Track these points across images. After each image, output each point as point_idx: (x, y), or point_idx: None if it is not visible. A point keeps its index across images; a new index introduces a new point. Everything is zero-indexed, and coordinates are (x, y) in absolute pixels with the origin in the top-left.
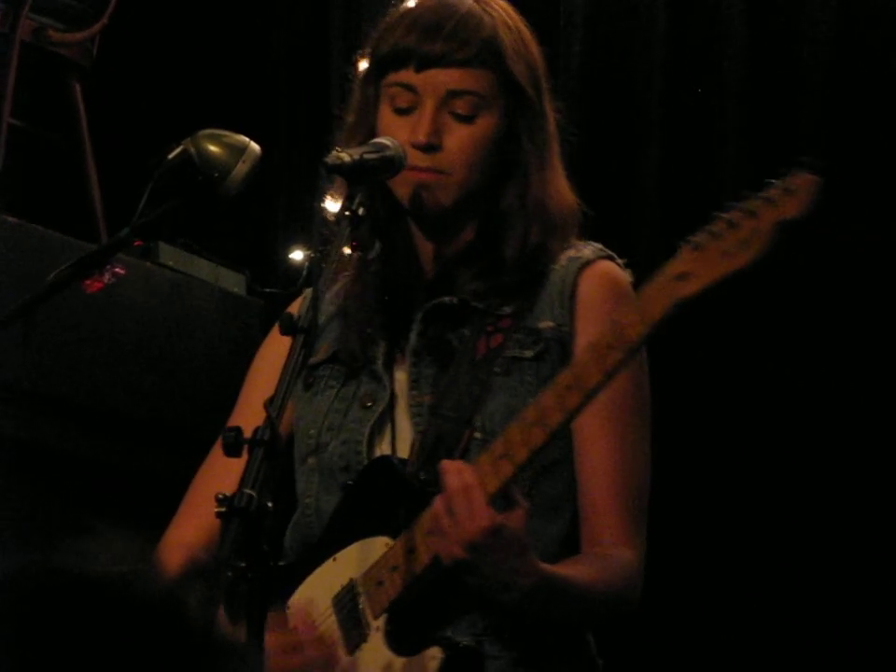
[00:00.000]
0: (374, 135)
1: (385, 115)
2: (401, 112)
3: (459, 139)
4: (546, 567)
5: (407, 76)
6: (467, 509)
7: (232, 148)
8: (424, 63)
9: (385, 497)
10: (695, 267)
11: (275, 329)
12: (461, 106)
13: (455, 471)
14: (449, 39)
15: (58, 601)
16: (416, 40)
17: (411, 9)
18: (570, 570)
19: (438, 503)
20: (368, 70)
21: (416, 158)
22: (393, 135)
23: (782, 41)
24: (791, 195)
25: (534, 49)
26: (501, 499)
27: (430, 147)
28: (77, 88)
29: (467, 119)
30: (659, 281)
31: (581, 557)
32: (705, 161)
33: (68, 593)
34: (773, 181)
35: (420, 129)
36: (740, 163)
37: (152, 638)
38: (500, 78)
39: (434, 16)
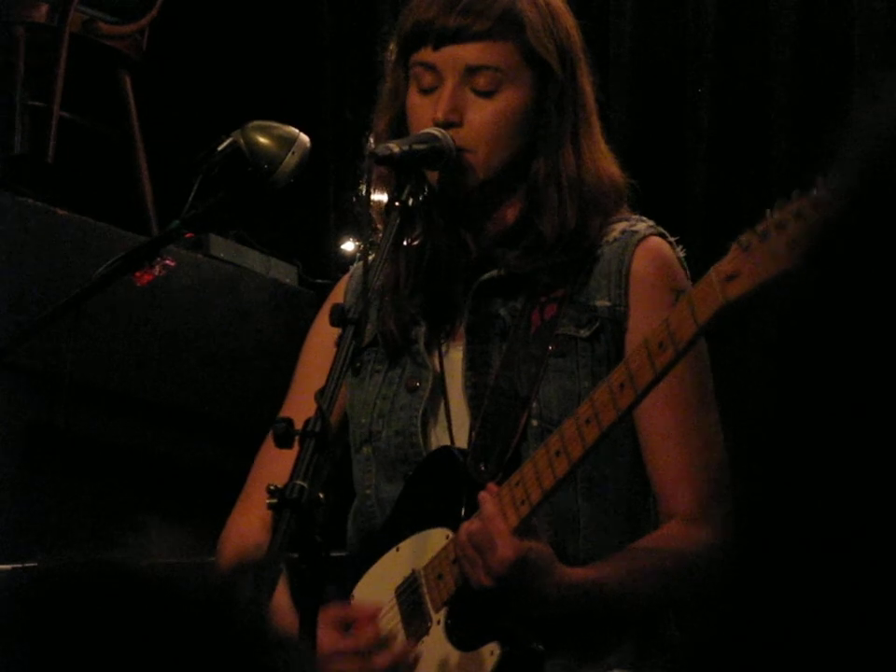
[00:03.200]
0: (403, 118)
1: (412, 95)
2: (426, 92)
3: (481, 115)
4: (574, 572)
5: (427, 54)
6: (490, 541)
7: (282, 140)
8: (441, 40)
9: (446, 489)
10: (744, 268)
11: (321, 318)
12: (482, 82)
13: (486, 500)
14: (465, 13)
15: (105, 594)
16: (433, 16)
17: None
18: (610, 569)
19: (462, 534)
20: (395, 52)
21: None
22: (418, 116)
23: (834, 36)
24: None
25: (565, 21)
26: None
27: (450, 124)
28: (128, 80)
29: (488, 95)
30: (708, 281)
31: (636, 548)
32: (754, 159)
33: (116, 586)
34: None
35: (439, 106)
36: (789, 158)
37: (201, 633)
38: (523, 50)
39: None
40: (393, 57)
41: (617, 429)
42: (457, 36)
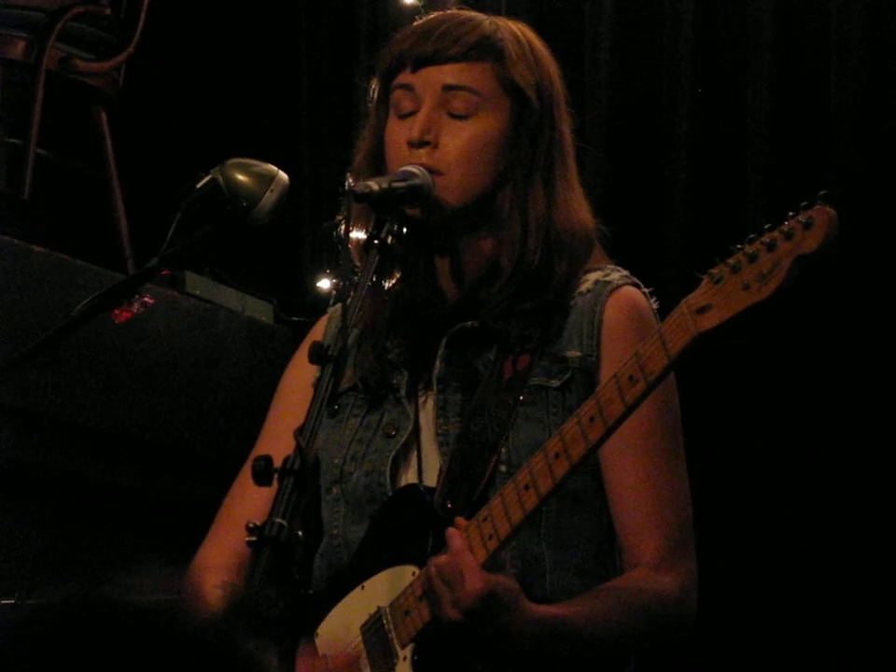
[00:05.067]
0: (381, 150)
1: (390, 123)
2: (404, 118)
3: (456, 138)
4: (540, 609)
5: (405, 77)
6: (459, 575)
7: (261, 177)
8: (419, 62)
9: (413, 526)
10: (716, 300)
11: (299, 355)
12: (458, 105)
13: (454, 534)
14: (442, 38)
15: (102, 632)
16: (411, 44)
17: (414, 24)
18: (575, 609)
19: (431, 567)
20: (377, 87)
21: (412, 156)
22: (393, 140)
23: (810, 66)
24: (811, 229)
25: (547, 64)
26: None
27: (423, 143)
28: (104, 117)
29: (464, 118)
30: (680, 314)
31: (600, 591)
32: (731, 190)
33: (113, 623)
34: (792, 214)
35: (415, 126)
36: (767, 195)
37: (198, 669)
38: (500, 76)
39: (432, 22)
40: (375, 94)
41: (583, 479)
42: (434, 58)
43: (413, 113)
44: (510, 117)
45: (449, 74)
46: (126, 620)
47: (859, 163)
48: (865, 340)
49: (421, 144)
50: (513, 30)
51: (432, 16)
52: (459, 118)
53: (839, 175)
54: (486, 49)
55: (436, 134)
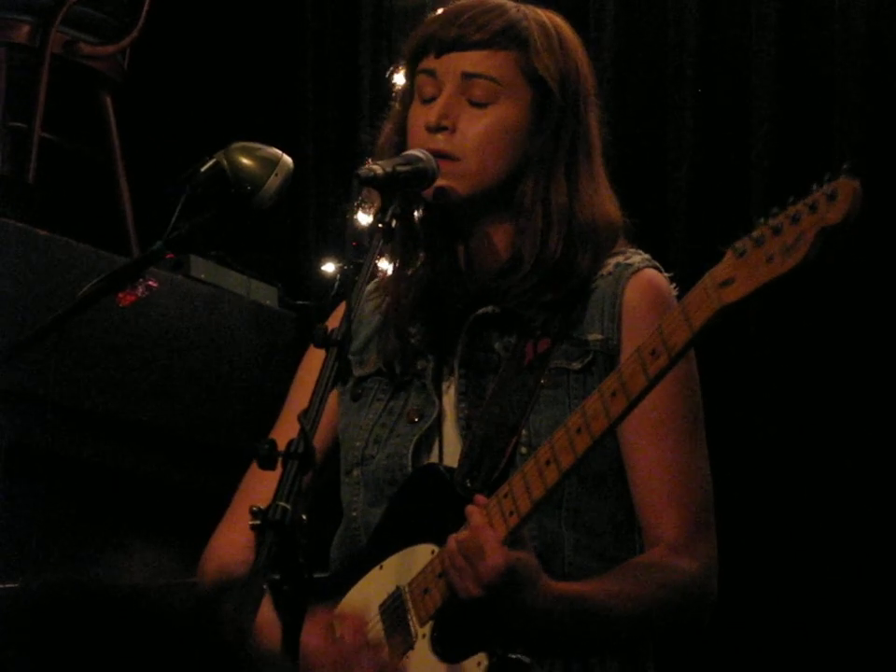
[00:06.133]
0: (404, 130)
1: (414, 107)
2: (426, 102)
3: (473, 124)
4: (560, 585)
5: (429, 62)
6: (480, 550)
7: (265, 161)
8: (442, 48)
9: (432, 505)
10: (739, 273)
11: None
12: (478, 92)
13: (474, 511)
14: (466, 24)
15: (83, 614)
16: (437, 28)
17: (442, 9)
18: (595, 586)
19: (451, 543)
20: (405, 71)
21: (430, 140)
22: (413, 122)
23: (815, 62)
24: (835, 201)
25: (575, 55)
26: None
27: (441, 128)
28: (109, 101)
29: (483, 106)
30: (703, 287)
31: (620, 570)
32: (737, 170)
33: (94, 606)
34: (816, 186)
35: (433, 110)
36: (773, 167)
37: (183, 652)
38: (523, 66)
39: (459, 7)
40: (403, 78)
41: (606, 462)
42: (457, 44)
43: (434, 98)
44: (531, 106)
45: (470, 61)
46: (106, 602)
47: (866, 138)
48: (871, 328)
49: (439, 129)
50: (542, 19)
51: (462, 1)
52: (479, 105)
53: (848, 151)
54: (510, 37)
55: (454, 120)
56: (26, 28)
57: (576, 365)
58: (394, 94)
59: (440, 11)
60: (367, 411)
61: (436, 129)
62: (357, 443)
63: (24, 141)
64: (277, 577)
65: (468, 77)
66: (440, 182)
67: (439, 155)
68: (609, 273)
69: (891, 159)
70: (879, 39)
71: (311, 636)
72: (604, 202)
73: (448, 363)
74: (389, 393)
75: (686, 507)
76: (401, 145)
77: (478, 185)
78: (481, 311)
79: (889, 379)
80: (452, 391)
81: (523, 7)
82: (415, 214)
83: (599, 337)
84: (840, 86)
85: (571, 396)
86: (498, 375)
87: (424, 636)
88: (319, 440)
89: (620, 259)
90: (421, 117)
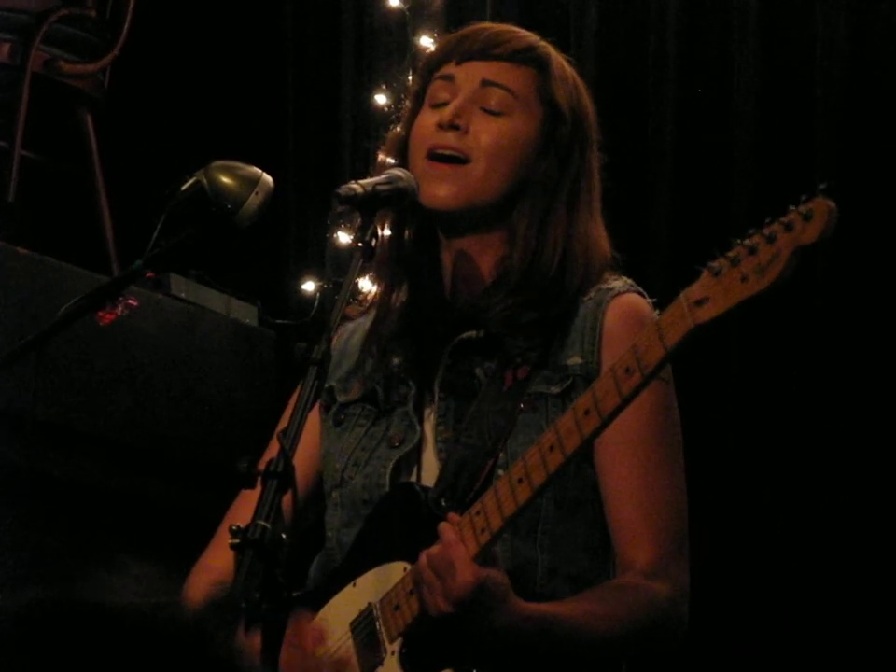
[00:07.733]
0: (408, 137)
1: (422, 113)
2: (437, 106)
3: (486, 128)
4: (529, 606)
5: (448, 68)
6: (450, 566)
7: (245, 180)
8: (465, 56)
9: (406, 523)
10: (714, 292)
11: None
12: (493, 101)
13: (446, 528)
14: (491, 38)
15: (73, 633)
16: (459, 40)
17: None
18: (565, 607)
19: (422, 559)
20: (417, 81)
21: (439, 137)
22: (421, 125)
23: (795, 63)
24: (810, 221)
25: (586, 101)
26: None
27: (453, 126)
28: (89, 119)
29: (496, 114)
30: (678, 306)
31: (591, 592)
32: (717, 188)
33: (85, 625)
34: (792, 207)
35: (447, 109)
36: (754, 185)
37: (172, 670)
38: (539, 85)
39: (481, 26)
40: (413, 87)
41: (582, 488)
42: (479, 53)
43: (446, 103)
44: (542, 126)
45: (490, 70)
46: (96, 621)
47: (846, 152)
48: (858, 337)
49: (451, 126)
50: (560, 57)
51: (481, 24)
52: (492, 113)
53: (828, 162)
54: (531, 57)
55: (467, 122)
56: (6, 46)
57: (555, 389)
58: (401, 96)
59: (463, 29)
60: (348, 435)
61: (448, 126)
62: (337, 465)
63: (5, 159)
64: (257, 595)
65: (486, 84)
66: (440, 188)
67: (446, 157)
68: (590, 299)
69: (871, 175)
70: (862, 54)
71: (282, 652)
72: (599, 238)
73: (430, 388)
74: (371, 419)
75: (660, 532)
76: (404, 152)
77: (479, 194)
78: (464, 335)
79: (868, 394)
80: (432, 416)
81: (542, 42)
82: (405, 234)
83: (579, 361)
84: (821, 107)
85: (550, 420)
86: (478, 399)
87: (393, 652)
88: (309, 466)
89: (602, 285)
90: (430, 118)
